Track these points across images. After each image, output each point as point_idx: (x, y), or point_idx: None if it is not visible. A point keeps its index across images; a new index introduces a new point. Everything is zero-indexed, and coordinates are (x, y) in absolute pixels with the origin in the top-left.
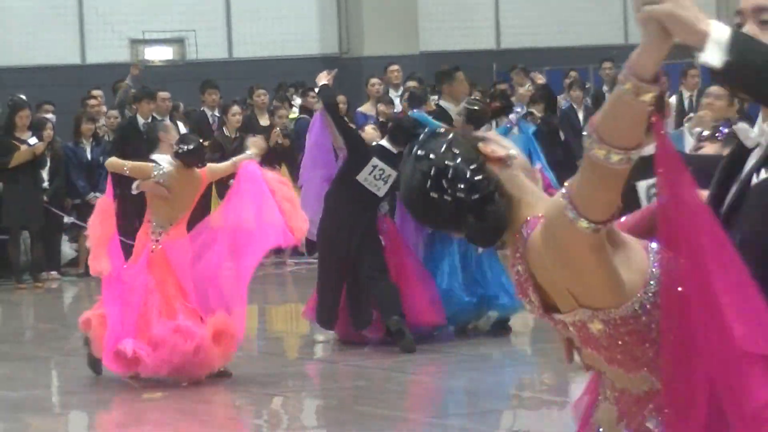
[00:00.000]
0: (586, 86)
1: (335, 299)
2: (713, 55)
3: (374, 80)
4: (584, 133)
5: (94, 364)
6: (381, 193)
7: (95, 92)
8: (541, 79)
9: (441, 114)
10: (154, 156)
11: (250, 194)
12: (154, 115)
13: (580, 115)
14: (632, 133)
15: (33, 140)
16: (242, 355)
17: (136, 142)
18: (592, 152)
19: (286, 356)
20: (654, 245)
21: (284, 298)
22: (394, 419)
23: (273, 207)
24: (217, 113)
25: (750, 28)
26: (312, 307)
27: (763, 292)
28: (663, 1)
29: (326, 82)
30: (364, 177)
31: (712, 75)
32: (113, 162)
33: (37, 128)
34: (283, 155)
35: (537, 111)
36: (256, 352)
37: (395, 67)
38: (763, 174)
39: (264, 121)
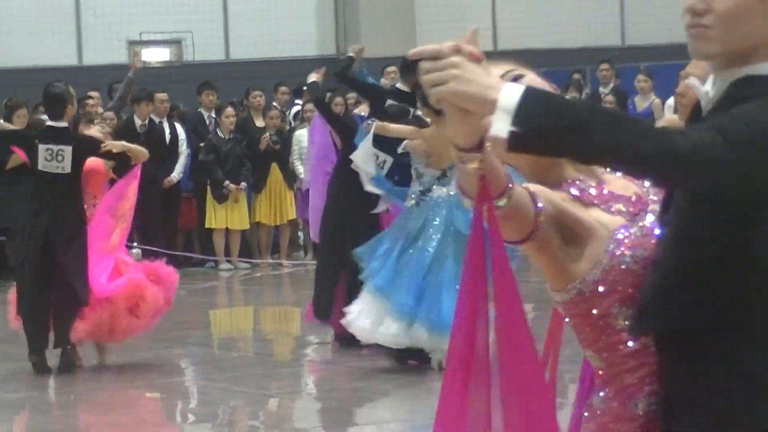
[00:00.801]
0: (584, 90)
1: (332, 290)
2: (500, 126)
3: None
4: None
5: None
6: None
7: (92, 93)
8: None
9: (403, 96)
10: (55, 123)
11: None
12: (152, 116)
13: None
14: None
15: None
16: (238, 356)
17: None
18: (464, 204)
19: (282, 357)
20: (621, 234)
21: (280, 299)
22: (392, 421)
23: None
24: (213, 114)
25: None
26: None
27: (676, 275)
28: (447, 80)
29: (316, 80)
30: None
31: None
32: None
33: (34, 130)
34: (275, 157)
35: None
36: (252, 353)
37: (392, 68)
38: None
39: (260, 122)
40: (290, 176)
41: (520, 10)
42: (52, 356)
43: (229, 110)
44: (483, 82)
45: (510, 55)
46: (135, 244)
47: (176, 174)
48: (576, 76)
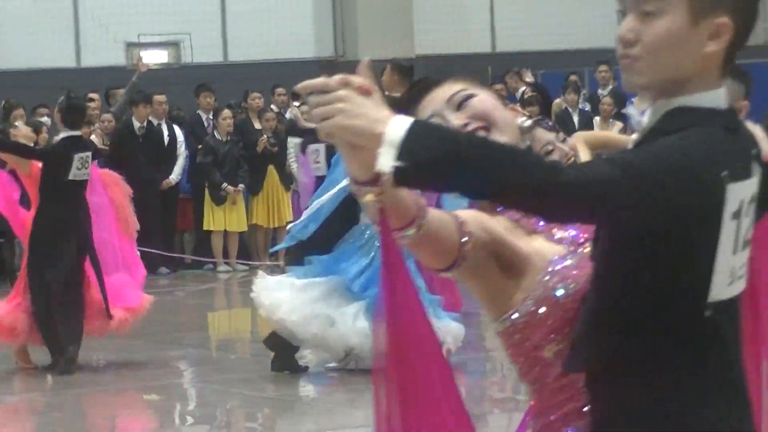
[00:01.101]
0: (582, 91)
1: None
2: (384, 161)
3: None
4: None
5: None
6: None
7: (93, 95)
8: (529, 78)
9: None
10: (74, 132)
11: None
12: (150, 119)
13: (575, 118)
14: (393, 219)
15: None
16: (235, 358)
17: (132, 146)
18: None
19: None
20: (555, 265)
21: None
22: None
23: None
24: (211, 116)
25: (629, 22)
26: None
27: (601, 311)
28: (334, 114)
29: (289, 116)
30: None
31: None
32: None
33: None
34: (272, 159)
35: (531, 113)
36: (250, 355)
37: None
38: None
39: (258, 124)
40: (287, 178)
41: (518, 11)
42: (46, 355)
43: (226, 112)
44: (370, 116)
45: (508, 57)
46: None
47: (174, 176)
48: (573, 77)
